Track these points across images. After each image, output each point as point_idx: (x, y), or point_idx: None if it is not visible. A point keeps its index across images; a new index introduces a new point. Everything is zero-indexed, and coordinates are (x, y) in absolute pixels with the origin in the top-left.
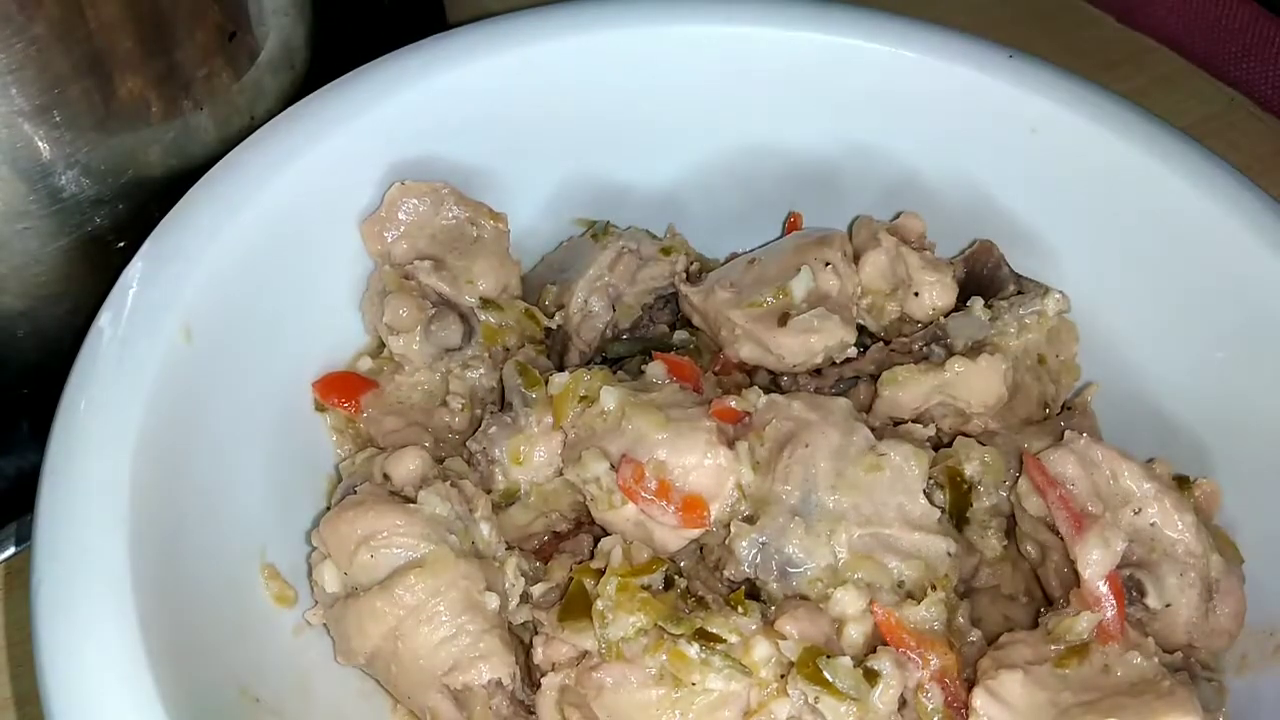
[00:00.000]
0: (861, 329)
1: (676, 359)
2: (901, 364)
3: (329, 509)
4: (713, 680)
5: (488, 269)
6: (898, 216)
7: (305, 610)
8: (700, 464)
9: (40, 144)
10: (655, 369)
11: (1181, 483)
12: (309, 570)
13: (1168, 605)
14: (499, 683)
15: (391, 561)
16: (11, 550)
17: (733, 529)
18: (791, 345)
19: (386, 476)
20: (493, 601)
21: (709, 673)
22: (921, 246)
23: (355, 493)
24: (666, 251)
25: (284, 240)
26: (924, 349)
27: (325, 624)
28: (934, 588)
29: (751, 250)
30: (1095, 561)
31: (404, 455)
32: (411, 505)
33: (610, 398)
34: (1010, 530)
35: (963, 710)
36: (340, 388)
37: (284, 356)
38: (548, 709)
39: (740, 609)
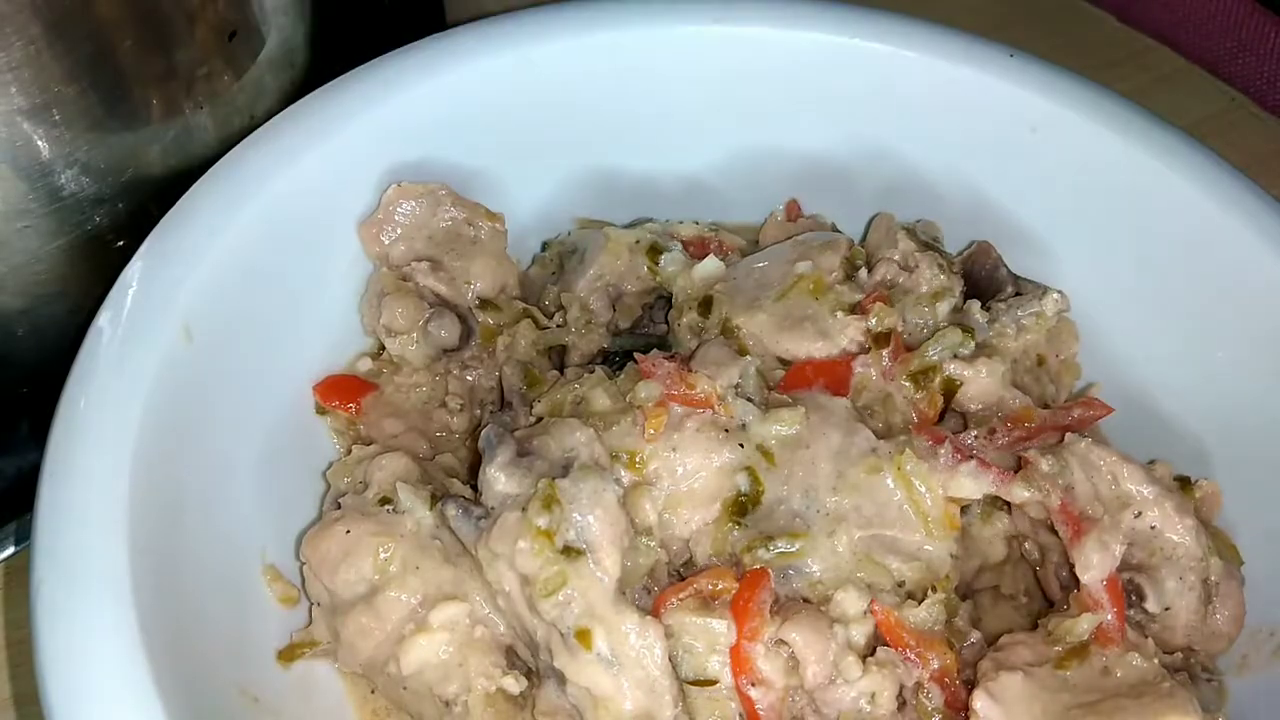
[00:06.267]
0: None
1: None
2: None
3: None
4: None
5: (485, 269)
6: (917, 223)
7: (306, 615)
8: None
9: (40, 142)
10: None
11: (1182, 484)
12: (303, 581)
13: (1167, 609)
14: (488, 689)
15: (372, 577)
16: (11, 549)
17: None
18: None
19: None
20: (479, 608)
21: None
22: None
23: (339, 506)
24: None
25: (284, 240)
26: None
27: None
28: (934, 589)
29: (754, 251)
30: (1094, 565)
31: (386, 462)
32: (392, 516)
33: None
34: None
35: (963, 711)
36: (341, 390)
37: (284, 357)
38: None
39: None
